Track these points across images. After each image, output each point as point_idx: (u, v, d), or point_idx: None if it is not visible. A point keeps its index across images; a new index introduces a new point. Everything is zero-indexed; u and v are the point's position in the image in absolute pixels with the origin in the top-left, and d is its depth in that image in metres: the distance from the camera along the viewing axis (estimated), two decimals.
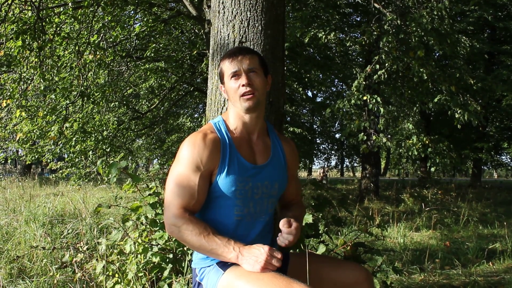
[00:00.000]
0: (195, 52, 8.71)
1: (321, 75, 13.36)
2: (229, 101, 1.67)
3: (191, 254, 2.18)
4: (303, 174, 30.51)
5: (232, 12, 2.16)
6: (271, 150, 1.71)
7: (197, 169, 1.55)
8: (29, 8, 4.94)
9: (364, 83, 6.94)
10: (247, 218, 1.63)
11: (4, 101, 5.94)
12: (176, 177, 1.56)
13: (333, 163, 35.92)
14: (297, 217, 1.70)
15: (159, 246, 2.34)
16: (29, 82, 6.14)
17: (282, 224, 1.52)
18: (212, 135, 1.60)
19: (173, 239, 2.30)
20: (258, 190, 1.63)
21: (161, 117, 12.68)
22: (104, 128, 8.68)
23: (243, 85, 1.58)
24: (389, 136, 8.23)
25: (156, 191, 2.48)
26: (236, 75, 1.60)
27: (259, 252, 1.43)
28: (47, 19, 5.17)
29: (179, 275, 2.29)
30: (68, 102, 6.59)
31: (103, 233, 3.89)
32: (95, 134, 8.17)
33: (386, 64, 6.80)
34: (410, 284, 3.50)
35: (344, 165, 39.89)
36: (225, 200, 1.60)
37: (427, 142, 7.68)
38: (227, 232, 1.59)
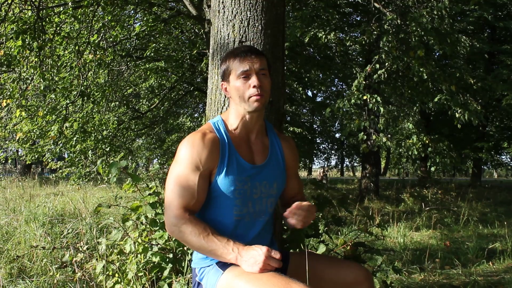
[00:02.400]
0: (195, 51, 8.71)
1: (321, 75, 13.35)
2: (231, 100, 1.65)
3: (191, 254, 2.18)
4: (303, 173, 30.52)
5: (232, 11, 2.16)
6: (269, 150, 1.70)
7: (197, 169, 1.55)
8: (29, 7, 4.94)
9: (364, 82, 6.94)
10: (247, 218, 1.63)
11: (4, 100, 5.94)
12: (176, 177, 1.56)
13: (333, 162, 35.98)
14: None
15: (159, 245, 2.34)
16: (29, 81, 6.13)
17: (294, 205, 1.53)
18: (211, 135, 1.59)
19: (173, 239, 2.30)
20: (257, 190, 1.63)
21: (161, 116, 12.67)
22: (104, 127, 8.68)
23: (254, 86, 1.56)
24: (389, 135, 8.23)
25: (156, 190, 2.48)
26: (246, 74, 1.57)
27: (257, 253, 1.43)
28: (47, 19, 5.17)
29: (179, 274, 2.29)
30: (68, 101, 6.58)
31: (103, 233, 3.89)
32: (95, 134, 8.17)
33: (386, 64, 6.80)
34: (410, 284, 3.50)
35: (344, 165, 39.92)
36: (224, 200, 1.60)
37: (427, 141, 7.68)
38: (227, 231, 1.59)
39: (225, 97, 2.19)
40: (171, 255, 2.33)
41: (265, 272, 1.42)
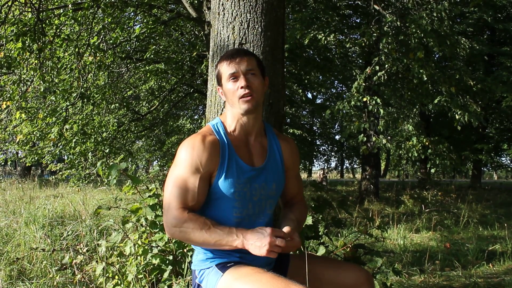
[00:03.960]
0: (195, 53, 8.72)
1: (321, 77, 13.38)
2: (227, 103, 1.66)
3: (191, 256, 2.18)
4: (303, 175, 30.52)
5: (232, 13, 2.16)
6: (267, 152, 1.70)
7: (197, 171, 1.54)
8: (29, 9, 4.95)
9: (364, 84, 6.95)
10: (246, 219, 1.62)
11: (4, 102, 5.94)
12: (175, 179, 1.55)
13: (333, 164, 35.95)
14: (299, 219, 1.70)
15: (159, 248, 2.34)
16: (29, 83, 6.14)
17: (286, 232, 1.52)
18: (211, 137, 1.59)
19: (173, 241, 2.30)
20: (256, 192, 1.63)
21: (161, 118, 12.68)
22: (104, 129, 8.68)
23: (241, 87, 1.57)
24: (389, 137, 8.24)
25: (156, 192, 2.48)
26: (234, 77, 1.58)
27: (262, 236, 1.43)
28: (47, 21, 5.17)
29: (179, 276, 2.29)
30: (68, 103, 6.58)
31: (103, 235, 3.89)
32: (95, 136, 8.17)
33: (386, 66, 6.81)
34: (410, 286, 3.49)
35: (344, 167, 39.89)
36: (224, 202, 1.59)
37: (427, 143, 7.68)
38: None
39: None
40: (171, 257, 2.33)
41: (271, 254, 1.41)
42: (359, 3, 10.15)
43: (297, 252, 2.28)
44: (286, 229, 1.53)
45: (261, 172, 1.65)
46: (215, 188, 1.58)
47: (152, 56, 8.47)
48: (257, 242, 1.42)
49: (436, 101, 7.03)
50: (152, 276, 2.30)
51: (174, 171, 1.57)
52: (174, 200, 1.53)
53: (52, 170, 10.06)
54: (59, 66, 6.38)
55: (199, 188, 1.54)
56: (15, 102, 6.00)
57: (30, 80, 6.13)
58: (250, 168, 1.62)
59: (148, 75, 9.81)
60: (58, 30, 5.64)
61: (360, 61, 13.03)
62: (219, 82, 1.66)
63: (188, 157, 1.55)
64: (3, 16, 4.70)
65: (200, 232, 1.48)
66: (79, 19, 5.69)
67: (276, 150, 1.72)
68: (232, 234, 1.47)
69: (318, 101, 22.10)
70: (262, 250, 1.41)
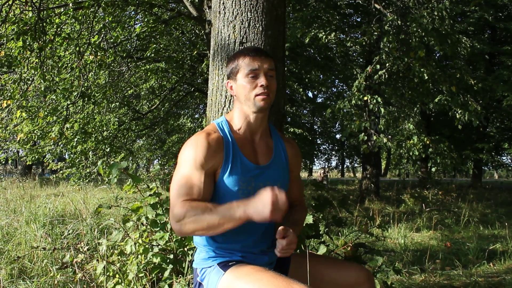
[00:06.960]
0: (195, 52, 8.72)
1: (321, 76, 13.36)
2: (236, 99, 1.65)
3: (192, 255, 2.18)
4: (303, 174, 30.50)
5: (232, 12, 2.16)
6: (273, 151, 1.70)
7: (202, 168, 1.53)
8: (30, 8, 4.94)
9: (364, 83, 6.93)
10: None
11: (5, 101, 5.94)
12: (181, 177, 1.54)
13: (334, 163, 35.85)
14: (297, 221, 1.70)
15: (159, 246, 2.34)
16: (29, 82, 6.14)
17: (278, 235, 1.50)
18: (215, 135, 1.59)
19: (174, 240, 2.30)
20: (261, 191, 1.62)
21: (162, 117, 12.68)
22: (105, 128, 8.69)
23: (261, 85, 1.56)
24: (389, 136, 8.22)
25: (156, 191, 2.48)
26: (254, 74, 1.57)
27: (263, 196, 1.38)
28: (48, 20, 5.17)
29: (180, 275, 2.29)
30: (68, 102, 6.58)
31: (104, 234, 3.88)
32: (96, 135, 8.17)
33: (387, 65, 6.80)
34: (411, 285, 3.49)
35: (345, 166, 39.82)
36: (228, 200, 1.58)
37: (427, 142, 7.67)
38: (230, 232, 1.57)
39: (226, 98, 2.19)
40: (171, 256, 2.33)
41: (274, 217, 1.36)
42: (360, 2, 10.13)
43: (298, 251, 2.28)
44: (279, 232, 1.51)
45: (266, 170, 1.65)
46: (219, 185, 1.58)
47: (152, 55, 8.48)
48: (259, 206, 1.37)
49: (436, 100, 7.02)
50: (153, 275, 2.30)
51: (179, 170, 1.56)
52: (179, 197, 1.51)
53: (52, 169, 10.05)
54: (59, 65, 6.38)
55: (205, 183, 1.53)
56: (15, 101, 6.00)
57: (30, 79, 6.12)
58: (255, 166, 1.62)
59: (148, 74, 9.82)
60: (58, 29, 5.63)
61: (361, 60, 13.01)
62: (233, 75, 1.63)
63: (192, 154, 1.54)
64: (4, 15, 4.70)
65: (203, 216, 1.44)
66: (80, 18, 5.69)
67: (282, 150, 1.73)
68: (232, 208, 1.43)
69: (319, 100, 22.07)
70: (265, 211, 1.35)
